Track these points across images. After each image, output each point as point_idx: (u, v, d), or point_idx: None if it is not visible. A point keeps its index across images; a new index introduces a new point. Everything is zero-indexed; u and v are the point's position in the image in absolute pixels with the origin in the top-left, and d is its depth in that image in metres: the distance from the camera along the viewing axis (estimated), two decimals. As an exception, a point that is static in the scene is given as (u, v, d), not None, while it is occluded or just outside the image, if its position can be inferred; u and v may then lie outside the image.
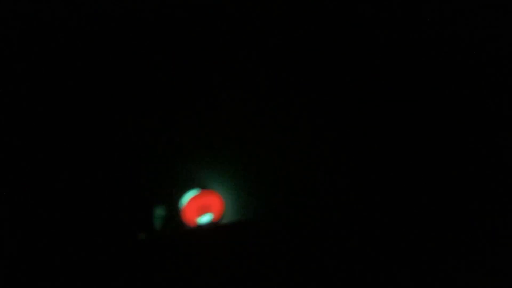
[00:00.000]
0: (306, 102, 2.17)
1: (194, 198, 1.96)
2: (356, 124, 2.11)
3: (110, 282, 1.80)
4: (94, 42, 2.08)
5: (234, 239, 1.92)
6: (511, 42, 2.00)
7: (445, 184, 1.89)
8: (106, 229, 1.96)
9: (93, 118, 2.07)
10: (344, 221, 1.98)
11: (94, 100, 2.08)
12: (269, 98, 2.14)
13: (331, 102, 2.13)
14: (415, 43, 2.10)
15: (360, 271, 1.86)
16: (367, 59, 2.14)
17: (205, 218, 1.94)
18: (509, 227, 1.74)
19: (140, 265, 1.85)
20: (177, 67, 2.13)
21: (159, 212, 1.97)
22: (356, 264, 1.87)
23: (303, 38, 2.19)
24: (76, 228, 1.95)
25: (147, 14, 2.12)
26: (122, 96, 2.10)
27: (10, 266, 1.72)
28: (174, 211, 2.01)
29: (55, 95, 2.05)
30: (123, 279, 1.80)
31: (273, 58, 2.17)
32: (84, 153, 2.05)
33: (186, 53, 2.15)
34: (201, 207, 1.96)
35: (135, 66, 2.12)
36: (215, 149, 2.11)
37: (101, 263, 1.86)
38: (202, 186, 2.06)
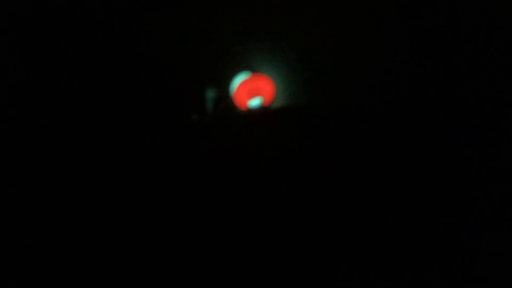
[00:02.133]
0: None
1: (245, 81, 1.93)
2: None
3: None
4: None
5: (283, 123, 1.92)
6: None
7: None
8: (160, 110, 2.02)
9: None
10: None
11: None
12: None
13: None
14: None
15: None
16: None
17: (255, 102, 1.93)
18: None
19: (191, 145, 1.92)
20: None
21: (211, 94, 1.99)
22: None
23: None
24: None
25: None
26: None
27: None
28: (225, 93, 2.01)
29: None
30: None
31: None
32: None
33: None
34: (251, 90, 1.94)
35: None
36: (268, 31, 2.01)
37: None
38: (254, 69, 2.02)
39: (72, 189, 1.83)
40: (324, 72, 1.98)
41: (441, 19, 1.95)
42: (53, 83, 2.00)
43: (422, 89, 1.90)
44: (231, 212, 1.82)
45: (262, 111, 1.94)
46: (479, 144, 1.80)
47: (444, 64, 1.93)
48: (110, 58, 2.05)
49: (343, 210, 1.83)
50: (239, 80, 1.95)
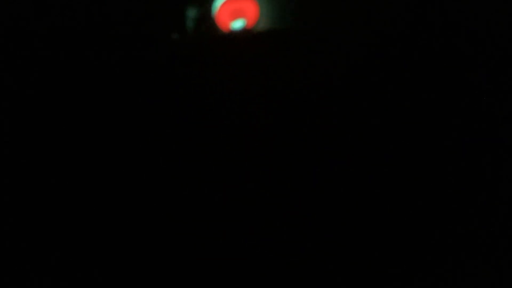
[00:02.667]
0: None
1: (227, 1, 1.86)
2: None
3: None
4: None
5: (267, 48, 1.88)
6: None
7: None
8: (140, 28, 1.94)
9: None
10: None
11: None
12: None
13: None
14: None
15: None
16: None
17: (238, 24, 1.87)
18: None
19: (171, 67, 1.87)
20: None
21: (192, 13, 1.91)
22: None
23: None
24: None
25: None
26: None
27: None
28: (207, 13, 1.93)
29: None
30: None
31: None
32: None
33: None
34: (234, 11, 1.87)
35: None
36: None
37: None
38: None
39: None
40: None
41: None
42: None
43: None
44: (211, 157, 1.78)
45: (245, 33, 1.88)
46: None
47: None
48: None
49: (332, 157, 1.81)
50: (221, 0, 1.87)
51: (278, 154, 1.76)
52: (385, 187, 1.74)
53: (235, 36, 1.89)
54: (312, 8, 1.91)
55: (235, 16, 1.87)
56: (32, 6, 1.90)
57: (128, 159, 1.74)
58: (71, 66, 1.84)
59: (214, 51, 1.90)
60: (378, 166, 1.76)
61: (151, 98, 1.86)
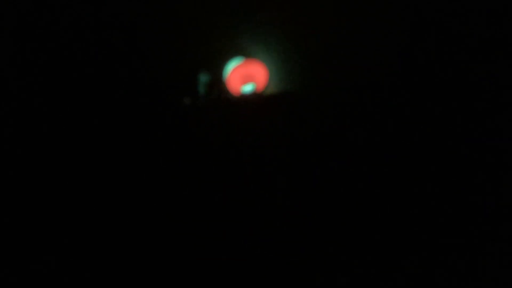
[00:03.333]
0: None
1: (238, 66, 1.93)
2: None
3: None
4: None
5: (276, 110, 1.91)
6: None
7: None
8: (154, 93, 2.02)
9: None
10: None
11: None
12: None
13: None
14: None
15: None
16: None
17: (248, 87, 1.93)
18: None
19: (183, 130, 1.91)
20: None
21: (204, 78, 1.98)
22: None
23: None
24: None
25: None
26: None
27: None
28: (218, 78, 2.01)
29: None
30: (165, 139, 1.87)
31: None
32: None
33: None
34: (245, 76, 1.94)
35: None
36: (263, 17, 2.02)
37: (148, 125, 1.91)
38: (247, 54, 2.02)
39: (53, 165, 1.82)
40: (318, 59, 1.98)
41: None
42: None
43: (418, 88, 1.90)
44: (221, 198, 1.81)
45: (255, 97, 1.93)
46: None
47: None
48: (105, 45, 2.05)
49: (336, 200, 1.82)
50: (232, 66, 1.95)
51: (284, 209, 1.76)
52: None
53: (245, 99, 1.93)
54: (319, 72, 1.98)
55: (246, 80, 1.93)
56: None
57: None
58: (87, 128, 1.91)
59: (224, 114, 1.94)
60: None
61: (165, 159, 1.88)
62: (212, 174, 1.81)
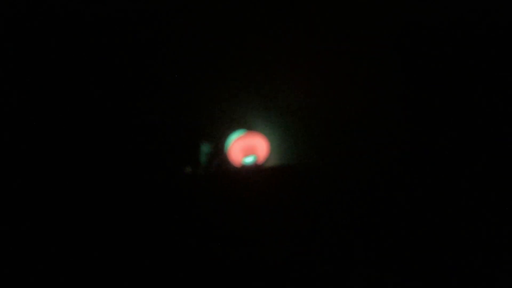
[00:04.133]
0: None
1: (240, 138, 1.97)
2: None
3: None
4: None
5: (276, 182, 1.93)
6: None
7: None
8: (155, 164, 2.05)
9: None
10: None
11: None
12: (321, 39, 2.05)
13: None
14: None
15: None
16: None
17: (249, 159, 1.96)
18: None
19: (185, 196, 1.92)
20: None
21: (206, 149, 2.02)
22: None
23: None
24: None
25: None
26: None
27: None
28: (220, 150, 2.05)
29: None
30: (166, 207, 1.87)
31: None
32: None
33: None
34: (246, 148, 1.97)
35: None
36: (263, 91, 2.09)
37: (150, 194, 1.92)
38: (249, 127, 2.07)
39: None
40: (319, 132, 2.03)
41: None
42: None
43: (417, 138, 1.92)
44: (221, 268, 1.79)
45: (255, 168, 1.96)
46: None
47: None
48: (108, 116, 2.11)
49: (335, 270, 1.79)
50: (234, 137, 1.99)
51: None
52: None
53: (246, 171, 1.96)
54: (320, 143, 2.02)
55: (247, 152, 1.97)
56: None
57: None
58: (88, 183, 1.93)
59: (225, 184, 1.96)
60: None
61: (164, 227, 1.87)
62: (212, 245, 1.81)
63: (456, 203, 1.78)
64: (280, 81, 2.09)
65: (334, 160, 1.98)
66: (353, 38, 2.08)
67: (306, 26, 2.10)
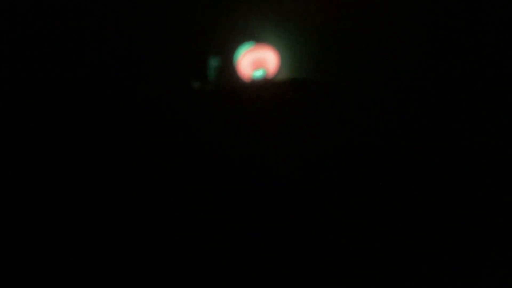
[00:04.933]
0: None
1: (249, 51, 1.90)
2: None
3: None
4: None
5: (287, 96, 1.89)
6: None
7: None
8: (163, 77, 2.00)
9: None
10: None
11: None
12: None
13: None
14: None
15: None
16: None
17: (259, 73, 1.90)
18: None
19: (192, 114, 1.89)
20: None
21: (214, 63, 1.95)
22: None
23: None
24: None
25: None
26: None
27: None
28: (229, 63, 1.98)
29: None
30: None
31: None
32: None
33: None
34: (255, 62, 1.90)
35: None
36: (273, 2, 1.97)
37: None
38: (258, 39, 1.98)
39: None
40: (331, 46, 1.94)
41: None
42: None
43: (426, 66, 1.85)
44: (229, 188, 1.81)
45: (265, 83, 1.90)
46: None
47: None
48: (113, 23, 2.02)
49: (342, 192, 1.80)
50: (243, 51, 1.91)
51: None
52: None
53: (255, 85, 1.91)
54: (331, 59, 1.94)
55: (257, 66, 1.90)
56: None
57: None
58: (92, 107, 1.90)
59: (235, 100, 1.92)
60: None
61: (171, 144, 1.87)
62: (220, 164, 1.80)
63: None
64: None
65: (345, 74, 1.91)
66: None
67: None
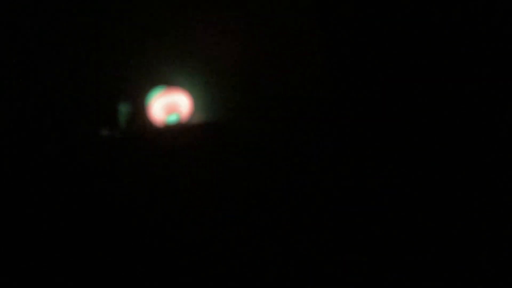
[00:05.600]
0: None
1: (160, 95, 1.83)
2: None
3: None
4: None
5: (202, 140, 1.85)
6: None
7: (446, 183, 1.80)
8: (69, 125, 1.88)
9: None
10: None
11: None
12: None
13: None
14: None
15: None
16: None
17: (173, 118, 1.83)
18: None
19: (101, 162, 1.80)
20: None
21: (124, 109, 1.86)
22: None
23: None
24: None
25: None
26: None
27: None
28: (139, 109, 1.89)
29: None
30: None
31: None
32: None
33: None
34: (168, 106, 1.84)
35: None
36: (183, 44, 1.94)
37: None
38: (169, 83, 1.92)
39: None
40: (244, 86, 1.93)
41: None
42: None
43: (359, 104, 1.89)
44: (142, 236, 1.75)
45: (180, 128, 1.84)
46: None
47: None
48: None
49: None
50: (155, 95, 1.84)
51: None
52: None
53: (170, 131, 1.84)
54: (245, 99, 1.93)
55: (170, 110, 1.84)
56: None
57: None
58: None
59: (148, 146, 1.84)
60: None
61: (79, 197, 1.77)
62: (132, 213, 1.75)
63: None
64: (201, 33, 1.95)
65: (259, 114, 1.90)
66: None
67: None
